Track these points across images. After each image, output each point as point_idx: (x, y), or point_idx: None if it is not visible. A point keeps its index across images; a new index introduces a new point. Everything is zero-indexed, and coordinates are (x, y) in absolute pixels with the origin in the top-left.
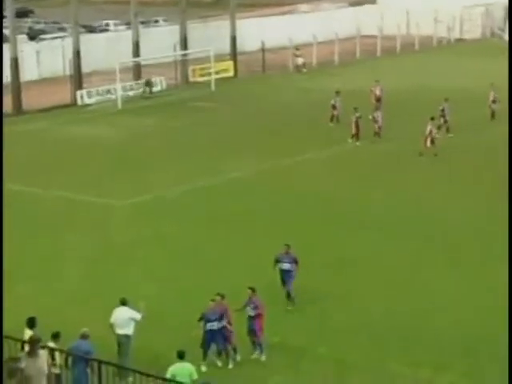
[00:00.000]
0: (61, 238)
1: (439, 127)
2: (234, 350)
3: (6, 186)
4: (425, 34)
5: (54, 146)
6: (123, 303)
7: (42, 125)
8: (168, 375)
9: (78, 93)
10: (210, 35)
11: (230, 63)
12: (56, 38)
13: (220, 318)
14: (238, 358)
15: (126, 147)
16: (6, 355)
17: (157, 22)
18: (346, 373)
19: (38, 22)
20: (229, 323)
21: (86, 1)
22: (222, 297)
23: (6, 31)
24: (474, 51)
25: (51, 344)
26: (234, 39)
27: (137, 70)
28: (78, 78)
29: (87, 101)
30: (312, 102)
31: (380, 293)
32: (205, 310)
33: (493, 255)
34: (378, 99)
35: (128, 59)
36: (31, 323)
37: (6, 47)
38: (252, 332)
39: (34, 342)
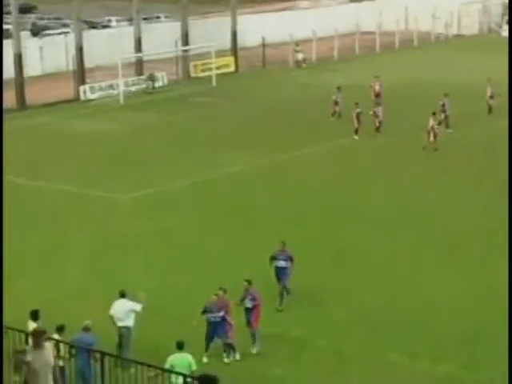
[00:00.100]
0: (63, 231)
1: (440, 122)
2: (233, 348)
3: (10, 179)
4: (423, 30)
5: (57, 140)
6: (122, 295)
7: (45, 119)
8: (167, 365)
9: (81, 88)
10: (210, 31)
11: (231, 59)
12: (59, 33)
13: (220, 315)
14: (238, 356)
15: (128, 142)
16: (10, 347)
17: (158, 18)
18: (345, 364)
19: (41, 18)
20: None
21: None
22: (225, 291)
23: (9, 27)
24: (472, 47)
25: (56, 337)
26: (234, 35)
27: (139, 66)
28: (80, 74)
29: (90, 96)
30: (312, 97)
31: (379, 286)
32: (207, 304)
33: (491, 249)
34: (378, 95)
35: (130, 55)
36: (35, 315)
37: (9, 43)
38: (248, 323)
39: (40, 335)
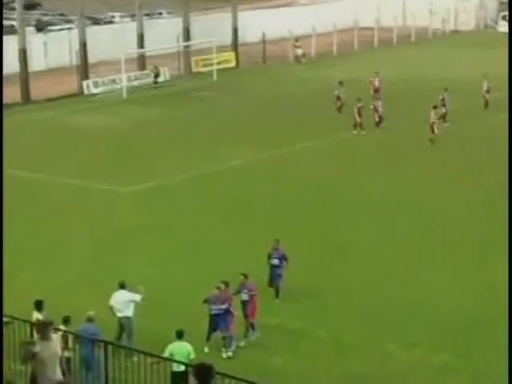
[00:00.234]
0: (66, 223)
1: (441, 117)
2: (232, 340)
3: (14, 173)
4: (421, 26)
5: (61, 134)
6: (122, 286)
7: (49, 114)
8: (166, 354)
9: (85, 83)
10: (212, 27)
11: (232, 54)
12: (63, 29)
13: (223, 307)
14: (233, 348)
15: (131, 136)
16: (15, 337)
17: (160, 14)
18: (344, 354)
19: (45, 14)
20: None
21: None
22: (227, 284)
23: (14, 23)
24: (469, 42)
25: (62, 328)
26: (235, 31)
27: (141, 61)
28: (84, 69)
29: (93, 90)
30: (311, 92)
31: (378, 278)
32: (209, 296)
33: (489, 243)
34: (377, 90)
35: (133, 50)
36: (39, 306)
37: (14, 39)
38: (245, 316)
39: (47, 326)
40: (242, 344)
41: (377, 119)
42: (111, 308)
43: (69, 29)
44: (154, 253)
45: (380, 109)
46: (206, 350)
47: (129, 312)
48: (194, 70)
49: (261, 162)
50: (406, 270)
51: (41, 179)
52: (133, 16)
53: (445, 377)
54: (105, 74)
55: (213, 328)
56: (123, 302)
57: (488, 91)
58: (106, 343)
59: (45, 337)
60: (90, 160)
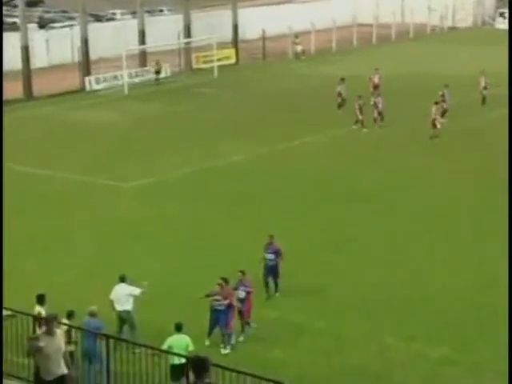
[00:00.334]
0: (69, 218)
1: (443, 113)
2: (230, 338)
3: (17, 168)
4: (419, 23)
5: (63, 130)
6: (122, 280)
7: (51, 110)
8: (165, 346)
9: (86, 79)
10: (212, 24)
11: (232, 51)
12: (65, 26)
13: (226, 303)
14: (231, 344)
15: (132, 131)
16: (18, 330)
17: (161, 11)
18: (343, 347)
19: (47, 12)
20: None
21: None
22: (226, 281)
23: (17, 20)
24: (466, 39)
25: (66, 322)
26: (235, 27)
27: (142, 58)
28: (86, 65)
29: (95, 87)
30: (311, 88)
31: (377, 271)
32: (210, 292)
33: (487, 236)
34: (376, 87)
35: (134, 47)
36: (41, 300)
37: (17, 36)
38: (240, 313)
39: (51, 321)
40: (241, 339)
41: (375, 115)
42: (111, 302)
43: (71, 26)
44: (155, 247)
45: (380, 105)
46: (207, 343)
47: (128, 306)
48: (195, 66)
49: (261, 158)
50: (404, 263)
51: (43, 174)
52: (134, 13)
53: (443, 369)
54: (106, 70)
55: (214, 323)
56: (123, 296)
57: (485, 87)
58: (108, 337)
59: (49, 332)
60: (91, 155)
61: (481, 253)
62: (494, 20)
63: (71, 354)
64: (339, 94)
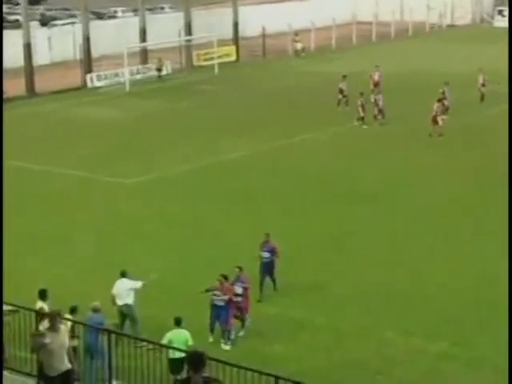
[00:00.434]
0: (70, 214)
1: (444, 110)
2: (229, 334)
3: (20, 164)
4: (418, 21)
5: (65, 126)
6: (123, 275)
7: (53, 107)
8: (165, 341)
9: (88, 76)
10: (213, 21)
11: (233, 48)
12: (67, 24)
13: (225, 298)
14: (230, 343)
15: (133, 128)
16: (20, 325)
17: (162, 8)
18: (343, 342)
19: (49, 9)
20: (231, 301)
21: None
22: (226, 277)
23: (19, 18)
24: (465, 37)
25: (69, 317)
26: (236, 25)
27: (143, 55)
28: (87, 63)
29: (96, 84)
30: (311, 85)
31: (376, 267)
32: (210, 287)
33: (485, 231)
34: (376, 84)
35: (135, 44)
36: (43, 295)
37: (19, 33)
38: (239, 309)
39: (56, 317)
40: (241, 334)
41: (375, 112)
42: (113, 297)
43: (72, 23)
44: (155, 244)
45: (380, 102)
46: (211, 339)
47: (129, 300)
48: (196, 63)
49: (261, 154)
50: (404, 261)
51: (45, 171)
52: (135, 11)
53: (441, 364)
54: (108, 67)
55: (214, 319)
56: (124, 290)
57: (484, 85)
58: (110, 332)
59: (54, 328)
60: (93, 152)
61: (481, 251)
62: (492, 18)
63: (74, 348)
64: (341, 91)
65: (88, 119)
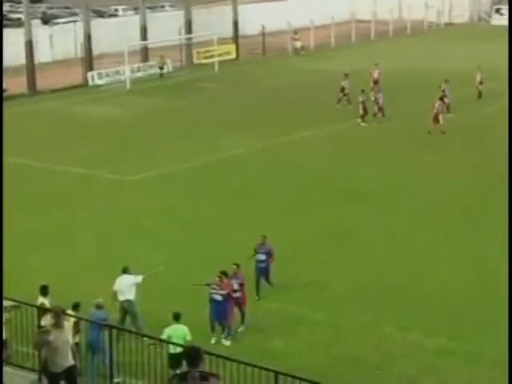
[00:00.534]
0: (72, 210)
1: (447, 107)
2: (229, 330)
3: (21, 161)
4: (416, 19)
5: (66, 124)
6: (124, 271)
7: (54, 104)
8: (164, 336)
9: (89, 74)
10: (213, 20)
11: (232, 46)
12: (68, 22)
13: (223, 293)
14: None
15: (134, 126)
16: (22, 321)
17: (163, 7)
18: (342, 337)
19: (51, 8)
20: (230, 296)
21: None
22: (226, 275)
23: (21, 16)
24: (463, 35)
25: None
26: (235, 23)
27: (144, 53)
28: (88, 61)
29: (98, 82)
30: (310, 83)
31: (374, 263)
32: (210, 282)
33: (482, 227)
34: (376, 82)
35: (136, 42)
36: (44, 291)
37: (21, 31)
38: (238, 305)
39: (60, 314)
40: (241, 329)
41: (376, 110)
42: (115, 293)
43: (74, 21)
44: (156, 240)
45: (381, 101)
46: (213, 341)
47: (130, 296)
48: (196, 61)
49: (260, 152)
50: (403, 259)
51: (46, 168)
52: (136, 9)
53: (440, 359)
54: (109, 65)
55: (214, 316)
56: (126, 286)
57: (481, 82)
58: (111, 327)
59: (58, 325)
60: (94, 149)
61: (480, 248)
62: (489, 16)
63: (76, 344)
64: (342, 89)
65: (89, 117)
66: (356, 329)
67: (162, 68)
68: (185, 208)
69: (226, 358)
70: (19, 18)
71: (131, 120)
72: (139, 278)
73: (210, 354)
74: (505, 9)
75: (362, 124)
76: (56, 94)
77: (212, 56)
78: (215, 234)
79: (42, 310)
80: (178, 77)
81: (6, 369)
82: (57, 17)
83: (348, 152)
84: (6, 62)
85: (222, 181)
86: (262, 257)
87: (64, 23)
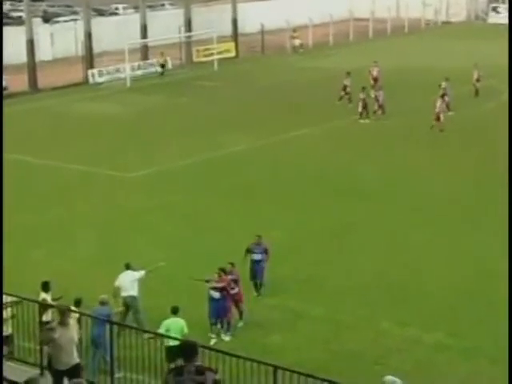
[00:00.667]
0: (73, 207)
1: (447, 105)
2: (229, 326)
3: (22, 158)
4: (413, 17)
5: (67, 121)
6: (127, 267)
7: (55, 102)
8: (162, 329)
9: (90, 72)
10: (212, 18)
11: (232, 44)
12: (69, 20)
13: (221, 290)
14: (228, 337)
15: (135, 123)
16: (24, 316)
17: (163, 5)
18: (340, 332)
19: (51, 6)
20: (228, 292)
21: None
22: (224, 271)
23: (22, 14)
24: (460, 33)
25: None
26: (235, 22)
27: (144, 51)
28: (89, 59)
29: (98, 79)
30: (309, 81)
31: (374, 259)
32: (209, 278)
33: (480, 224)
34: (375, 79)
35: (136, 41)
36: (46, 287)
37: (22, 30)
38: (234, 302)
39: (66, 312)
40: (240, 325)
41: (376, 108)
42: (117, 289)
43: (74, 20)
44: (157, 235)
45: (381, 98)
46: (213, 341)
47: (134, 291)
48: (196, 59)
49: (259, 149)
50: (402, 255)
51: (48, 165)
52: (136, 8)
53: (437, 354)
54: (109, 63)
55: (213, 314)
56: (128, 282)
57: (478, 80)
58: (112, 323)
59: (63, 323)
60: (95, 146)
61: (479, 246)
62: (486, 14)
63: (79, 340)
64: (344, 88)
65: (89, 114)
66: (354, 324)
67: (163, 66)
68: (185, 204)
69: (226, 353)
70: (20, 17)
71: (131, 117)
72: (142, 273)
73: (210, 349)
74: (501, 7)
75: (361, 121)
76: (57, 92)
77: (211, 54)
78: (215, 230)
79: (44, 306)
80: (178, 75)
81: (8, 364)
82: (58, 15)
83: (347, 150)
84: (8, 60)
85: (222, 178)
86: (258, 256)
87: (65, 21)
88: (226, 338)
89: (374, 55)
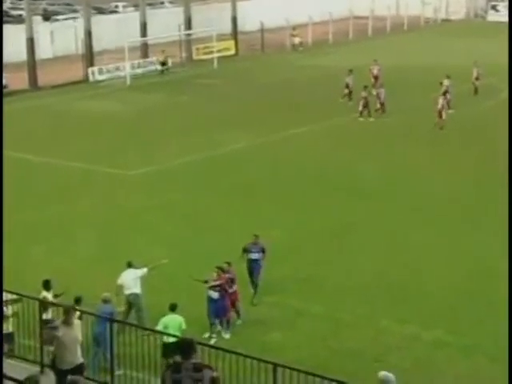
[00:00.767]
0: (73, 205)
1: (448, 103)
2: (228, 321)
3: (23, 156)
4: (413, 15)
5: (67, 119)
6: (129, 265)
7: (55, 100)
8: (160, 326)
9: (90, 70)
10: (212, 16)
11: (232, 42)
12: (69, 19)
13: (220, 289)
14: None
15: (135, 121)
16: (24, 314)
17: (163, 3)
18: (340, 330)
19: (51, 4)
20: (226, 291)
21: None
22: (223, 270)
23: (22, 12)
24: (459, 31)
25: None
26: (234, 20)
27: (144, 49)
28: (89, 57)
29: (98, 77)
30: (308, 79)
31: (373, 258)
32: (207, 278)
33: (479, 223)
34: (376, 77)
35: (136, 39)
36: (47, 285)
37: (22, 28)
38: (231, 301)
39: (70, 311)
40: (239, 322)
41: (378, 106)
42: (120, 287)
43: (74, 18)
44: (157, 233)
45: (382, 96)
46: (213, 341)
47: (136, 289)
48: (195, 57)
49: (259, 147)
50: (402, 254)
51: (48, 163)
52: (136, 6)
53: (437, 351)
54: (109, 61)
55: (213, 313)
56: (131, 280)
57: (477, 78)
58: (112, 321)
59: (67, 322)
60: (95, 144)
61: (479, 245)
62: (486, 12)
63: None
64: (347, 86)
65: (89, 112)
66: (354, 322)
67: (164, 63)
68: (185, 203)
69: (226, 351)
70: (20, 15)
71: (131, 116)
72: (144, 270)
73: (210, 346)
74: (501, 5)
75: (361, 119)
76: (57, 90)
77: (211, 52)
78: (215, 229)
79: (44, 304)
80: (178, 73)
81: (9, 361)
82: (57, 13)
83: (347, 148)
84: (8, 58)
85: (222, 176)
86: (256, 256)
87: (65, 20)
88: (226, 336)
89: (374, 53)
